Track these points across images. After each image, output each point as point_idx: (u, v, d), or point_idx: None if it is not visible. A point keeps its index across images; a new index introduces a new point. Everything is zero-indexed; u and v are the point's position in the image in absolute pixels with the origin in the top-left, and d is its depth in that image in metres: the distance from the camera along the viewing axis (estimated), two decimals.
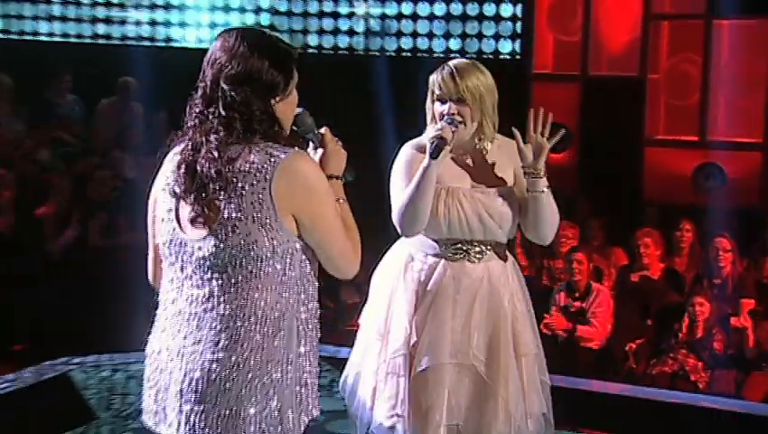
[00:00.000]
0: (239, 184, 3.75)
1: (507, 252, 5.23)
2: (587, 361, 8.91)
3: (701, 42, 10.91)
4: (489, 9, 11.02)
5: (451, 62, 5.07)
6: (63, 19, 13.32)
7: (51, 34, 13.37)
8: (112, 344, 7.98)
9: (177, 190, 3.80)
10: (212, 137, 3.77)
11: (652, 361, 8.83)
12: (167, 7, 12.89)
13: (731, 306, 9.15)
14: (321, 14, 12.05)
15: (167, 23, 13.09)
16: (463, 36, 11.22)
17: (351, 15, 11.85)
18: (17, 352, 9.30)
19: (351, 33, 11.82)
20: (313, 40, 12.18)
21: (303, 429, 3.99)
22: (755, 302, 9.00)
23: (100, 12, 13.25)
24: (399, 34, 11.49)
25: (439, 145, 4.81)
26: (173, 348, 3.89)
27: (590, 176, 11.07)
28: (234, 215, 3.76)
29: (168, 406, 3.91)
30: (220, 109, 3.80)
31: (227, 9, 12.73)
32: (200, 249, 3.81)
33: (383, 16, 11.65)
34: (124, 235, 9.92)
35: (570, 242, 9.65)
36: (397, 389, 5.14)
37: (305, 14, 12.27)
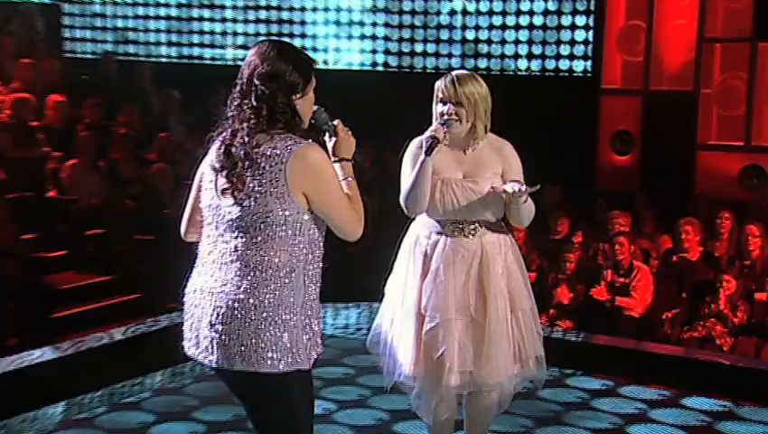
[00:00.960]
0: (262, 165, 4.02)
1: (504, 227, 5.34)
2: (629, 326, 8.96)
3: (747, 62, 10.86)
4: (565, 35, 11.14)
5: (453, 72, 5.28)
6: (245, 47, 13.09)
7: (213, 59, 13.67)
8: None
9: (217, 166, 4.08)
10: (245, 126, 4.06)
11: (685, 327, 8.81)
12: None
13: (757, 283, 9.01)
14: (425, 40, 12.01)
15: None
16: (543, 57, 11.34)
17: (450, 41, 11.81)
18: None
19: (449, 55, 11.83)
20: (418, 62, 12.08)
21: (312, 362, 4.27)
22: None
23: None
24: (489, 56, 11.57)
25: (432, 144, 5.02)
26: (206, 289, 4.17)
27: (649, 175, 11.06)
28: (256, 189, 4.03)
29: (201, 334, 4.18)
30: (253, 101, 4.08)
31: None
32: (229, 213, 4.08)
33: (476, 40, 11.68)
34: None
35: (621, 228, 9.64)
36: (413, 344, 5.29)
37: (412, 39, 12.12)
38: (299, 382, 4.23)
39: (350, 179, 4.32)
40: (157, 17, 13.79)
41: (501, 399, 5.45)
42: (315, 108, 4.28)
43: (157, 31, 13.75)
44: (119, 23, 13.86)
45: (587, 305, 9.26)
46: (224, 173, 4.05)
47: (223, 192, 4.07)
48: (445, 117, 5.14)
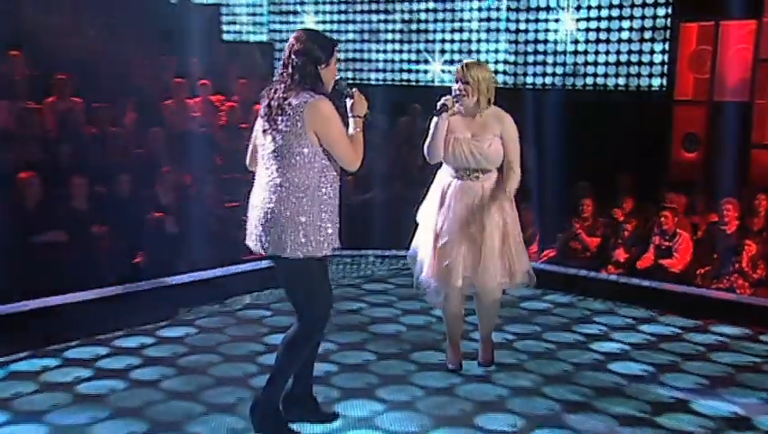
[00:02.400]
0: (288, 112, 4.49)
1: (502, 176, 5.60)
2: (672, 278, 8.77)
3: None
4: (646, 58, 11.05)
5: (465, 60, 5.69)
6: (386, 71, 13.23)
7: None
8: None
9: (262, 113, 4.60)
10: (281, 86, 4.54)
11: (714, 281, 8.77)
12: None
13: None
14: (534, 63, 11.90)
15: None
16: (627, 75, 11.26)
17: (555, 64, 11.70)
18: None
19: (553, 74, 11.72)
20: (529, 79, 11.96)
21: (323, 254, 4.64)
22: None
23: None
24: (585, 75, 11.51)
25: (442, 108, 5.45)
26: (257, 203, 4.64)
27: (712, 168, 10.84)
28: (283, 129, 4.50)
29: (253, 232, 4.66)
30: (289, 70, 4.54)
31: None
32: (268, 147, 4.59)
33: (574, 63, 11.59)
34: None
35: (671, 205, 9.41)
36: (431, 255, 5.66)
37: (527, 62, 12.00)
38: (315, 266, 4.65)
39: (358, 130, 4.69)
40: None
41: (497, 299, 5.73)
42: (338, 78, 4.69)
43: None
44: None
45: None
46: (265, 118, 4.57)
47: (264, 132, 4.59)
48: (456, 91, 5.52)
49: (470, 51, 12.21)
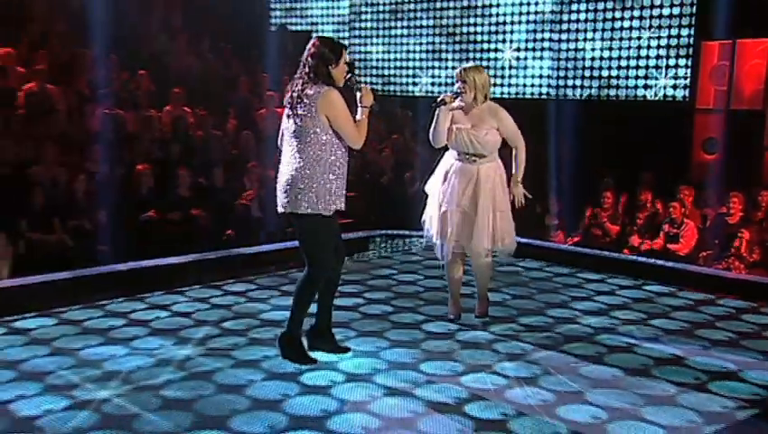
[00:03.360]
0: (305, 101, 4.89)
1: (497, 160, 5.91)
2: (678, 260, 8.88)
3: None
4: (671, 71, 11.24)
5: (464, 64, 5.95)
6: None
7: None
8: None
9: (286, 102, 5.02)
10: (300, 81, 4.95)
11: (714, 263, 9.01)
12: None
13: None
14: (574, 76, 12.19)
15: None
16: (655, 87, 11.42)
17: (591, 77, 11.88)
18: None
19: (590, 87, 11.88)
20: (569, 92, 12.11)
21: (331, 212, 5.00)
22: None
23: None
24: (618, 87, 11.66)
25: (440, 102, 5.76)
26: (283, 169, 5.05)
27: (731, 167, 10.87)
28: (301, 114, 4.91)
29: (279, 195, 5.07)
30: (306, 69, 4.94)
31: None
32: (290, 129, 5.00)
33: (608, 77, 11.78)
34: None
35: (685, 199, 9.80)
36: (437, 221, 5.99)
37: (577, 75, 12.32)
38: (323, 223, 5.02)
39: (364, 117, 5.08)
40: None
41: (489, 262, 6.01)
42: (349, 75, 5.06)
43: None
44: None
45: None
46: (288, 106, 5.00)
47: (288, 117, 5.03)
48: (457, 89, 5.81)
49: (518, 67, 12.58)
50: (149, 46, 12.57)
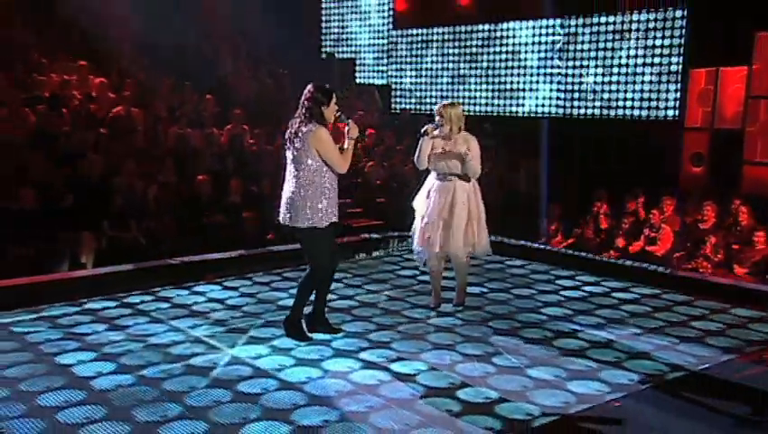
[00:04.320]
0: (300, 136, 5.35)
1: (471, 180, 6.24)
2: (655, 260, 9.35)
3: None
4: (662, 95, 11.60)
5: (444, 101, 6.32)
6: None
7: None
8: None
9: (286, 137, 5.48)
10: (297, 120, 5.40)
11: (684, 263, 9.37)
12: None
13: (738, 239, 9.35)
14: (579, 99, 12.76)
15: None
16: (648, 108, 11.79)
17: (593, 99, 12.30)
18: None
19: (593, 106, 12.24)
20: (575, 111, 12.52)
21: (325, 225, 5.40)
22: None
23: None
24: (617, 108, 11.98)
25: (422, 133, 6.21)
26: (285, 190, 5.46)
27: (715, 180, 11.36)
28: (298, 147, 5.37)
29: (281, 211, 5.50)
30: (303, 110, 5.39)
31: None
32: (289, 158, 5.44)
33: (608, 99, 12.30)
34: None
35: (666, 208, 10.10)
36: (419, 231, 6.40)
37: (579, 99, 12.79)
38: (318, 234, 5.43)
39: (350, 147, 5.51)
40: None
41: (465, 262, 6.45)
42: (338, 113, 5.51)
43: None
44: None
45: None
46: (287, 140, 5.49)
47: (287, 149, 5.50)
48: (437, 121, 6.26)
49: (531, 90, 13.02)
50: (216, 73, 13.36)
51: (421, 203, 6.52)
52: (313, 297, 5.88)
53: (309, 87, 5.49)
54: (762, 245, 9.00)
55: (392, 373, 5.29)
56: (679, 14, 10.84)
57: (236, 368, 5.35)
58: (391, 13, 13.66)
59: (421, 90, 13.92)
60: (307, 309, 5.92)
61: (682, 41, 11.40)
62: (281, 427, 4.49)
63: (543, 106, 12.82)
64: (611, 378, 5.29)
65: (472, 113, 13.51)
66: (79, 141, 10.30)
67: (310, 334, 5.87)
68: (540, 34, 12.66)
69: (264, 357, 5.56)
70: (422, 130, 6.28)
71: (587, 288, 7.66)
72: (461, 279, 6.68)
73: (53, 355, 5.55)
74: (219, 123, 11.96)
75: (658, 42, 11.59)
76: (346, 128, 5.60)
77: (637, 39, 11.69)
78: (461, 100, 13.52)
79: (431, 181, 6.46)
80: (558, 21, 12.33)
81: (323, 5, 14.05)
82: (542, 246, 9.40)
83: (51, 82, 11.70)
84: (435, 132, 6.30)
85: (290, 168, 5.53)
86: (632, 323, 6.53)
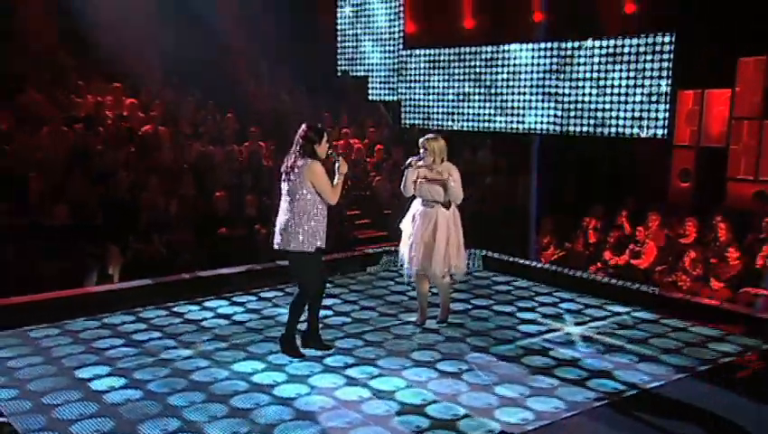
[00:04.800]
0: (296, 170, 5.60)
1: (452, 205, 6.49)
2: (638, 274, 9.45)
3: (757, 131, 11.09)
4: (653, 114, 11.42)
5: (428, 135, 6.58)
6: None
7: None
8: None
9: (282, 170, 5.71)
10: (293, 155, 5.64)
11: (666, 277, 9.35)
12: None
13: (715, 254, 9.19)
14: (575, 117, 13.33)
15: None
16: (641, 127, 11.01)
17: (588, 117, 12.22)
18: None
19: (588, 124, 11.64)
20: (570, 128, 12.78)
21: (315, 248, 5.64)
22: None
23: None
24: (611, 126, 11.37)
25: (407, 165, 6.48)
26: (280, 218, 5.72)
27: (699, 196, 11.38)
28: (293, 179, 5.61)
29: (275, 236, 5.75)
30: (297, 147, 5.65)
31: None
32: (285, 189, 5.68)
33: (602, 117, 12.89)
34: None
35: (651, 224, 10.02)
36: (407, 252, 6.65)
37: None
38: (307, 258, 5.69)
39: (339, 181, 5.75)
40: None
41: (446, 282, 6.70)
42: (330, 151, 5.78)
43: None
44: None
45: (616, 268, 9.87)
46: (284, 173, 5.73)
47: (283, 181, 5.74)
48: (421, 153, 6.51)
49: (530, 108, 13.17)
50: (236, 92, 13.70)
51: (407, 226, 6.79)
52: (306, 315, 6.16)
53: (303, 126, 5.76)
54: (734, 261, 9.01)
55: (371, 390, 5.55)
56: (667, 39, 10.87)
57: (233, 383, 5.68)
58: (402, 34, 13.80)
59: (429, 107, 14.06)
60: (304, 326, 6.21)
61: (670, 64, 11.37)
62: None
63: (541, 123, 12.89)
64: (569, 395, 5.51)
65: (475, 129, 13.66)
66: (112, 160, 10.68)
67: (303, 351, 6.16)
68: (539, 57, 12.72)
69: (259, 373, 5.88)
70: (407, 162, 6.55)
71: (563, 305, 7.86)
72: (443, 298, 6.95)
73: (73, 369, 5.95)
74: (238, 140, 12.30)
75: (648, 66, 11.60)
76: (336, 165, 5.85)
77: (629, 62, 11.70)
78: (465, 117, 13.82)
79: (416, 206, 6.73)
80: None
81: (339, 26, 14.29)
82: (528, 262, 9.52)
83: (88, 103, 12.12)
84: (420, 163, 6.57)
85: (285, 198, 5.79)
86: (598, 340, 6.74)
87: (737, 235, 9.54)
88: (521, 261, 9.34)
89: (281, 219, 5.83)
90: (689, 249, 9.54)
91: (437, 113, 13.98)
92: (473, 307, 7.71)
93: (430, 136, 6.64)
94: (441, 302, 6.98)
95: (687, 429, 5.08)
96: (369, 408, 5.30)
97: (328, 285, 7.95)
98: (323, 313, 6.43)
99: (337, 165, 5.84)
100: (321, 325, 6.43)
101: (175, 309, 7.51)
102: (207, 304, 7.71)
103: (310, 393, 5.51)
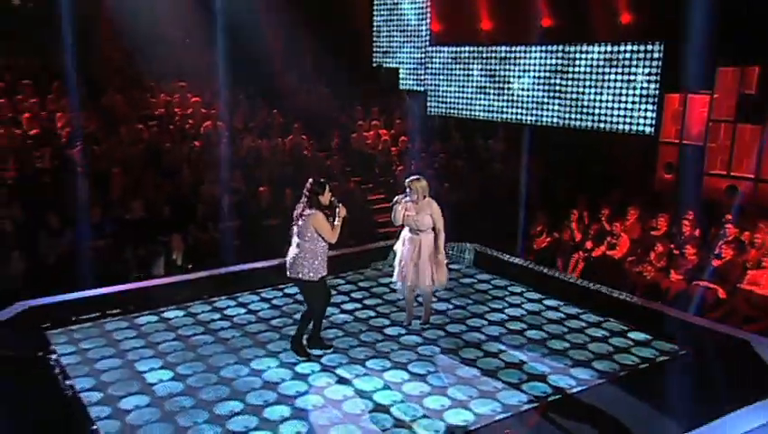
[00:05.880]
0: (303, 218, 6.26)
1: (434, 233, 6.93)
2: (612, 262, 9.88)
3: (731, 132, 11.37)
4: (642, 114, 11.45)
5: (412, 177, 7.01)
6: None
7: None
8: None
9: (294, 216, 6.38)
10: (301, 206, 6.30)
11: (637, 267, 9.66)
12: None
13: (678, 248, 9.48)
14: (574, 112, 13.40)
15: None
16: (631, 123, 11.24)
17: (586, 114, 12.08)
18: None
19: (589, 120, 12.53)
20: (573, 123, 12.98)
21: (319, 278, 6.22)
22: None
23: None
24: (607, 122, 11.70)
25: (394, 203, 7.03)
26: (291, 252, 6.30)
27: (680, 186, 11.47)
28: (301, 224, 6.28)
29: (288, 267, 6.33)
30: (305, 199, 6.29)
31: None
32: (294, 231, 6.34)
33: (600, 114, 12.76)
34: None
35: (630, 217, 10.38)
36: (398, 270, 7.19)
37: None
38: (314, 285, 6.28)
39: (338, 224, 6.34)
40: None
41: (430, 292, 7.29)
42: (332, 199, 6.37)
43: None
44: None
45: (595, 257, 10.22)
46: (294, 219, 6.40)
47: (294, 224, 6.41)
48: (407, 191, 7.04)
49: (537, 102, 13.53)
50: (282, 89, 14.24)
51: (399, 248, 7.45)
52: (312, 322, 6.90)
53: (309, 181, 6.41)
54: (691, 256, 9.29)
55: (354, 390, 6.10)
56: (657, 47, 11.22)
57: (251, 380, 6.37)
58: (429, 31, 14.27)
59: (451, 97, 14.55)
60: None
61: (658, 69, 11.65)
62: None
63: (544, 117, 13.29)
64: (507, 398, 5.96)
65: (490, 119, 13.98)
66: (178, 156, 11.55)
67: (309, 351, 6.87)
68: (544, 58, 13.04)
69: (272, 369, 6.57)
70: (395, 200, 7.18)
71: (527, 306, 8.12)
72: (426, 303, 7.58)
73: (134, 362, 6.77)
74: (283, 133, 12.98)
75: (638, 71, 11.86)
76: (337, 211, 6.48)
77: (622, 66, 11.96)
78: (485, 107, 14.33)
79: (405, 233, 7.36)
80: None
81: (375, 22, 14.77)
82: (509, 259, 9.88)
83: (159, 102, 12.99)
84: (405, 199, 7.18)
85: (295, 237, 6.50)
86: (546, 344, 7.06)
87: (705, 228, 9.87)
88: (505, 258, 9.76)
89: (292, 252, 6.49)
90: (658, 242, 9.85)
91: (458, 102, 14.52)
92: (454, 307, 8.09)
93: (414, 177, 7.15)
94: (424, 306, 7.60)
95: None
96: (349, 406, 5.84)
97: (341, 281, 8.84)
98: (330, 311, 7.08)
99: (337, 210, 6.45)
100: (328, 325, 7.13)
101: (217, 304, 8.24)
102: (241, 299, 8.38)
103: (307, 392, 6.13)
